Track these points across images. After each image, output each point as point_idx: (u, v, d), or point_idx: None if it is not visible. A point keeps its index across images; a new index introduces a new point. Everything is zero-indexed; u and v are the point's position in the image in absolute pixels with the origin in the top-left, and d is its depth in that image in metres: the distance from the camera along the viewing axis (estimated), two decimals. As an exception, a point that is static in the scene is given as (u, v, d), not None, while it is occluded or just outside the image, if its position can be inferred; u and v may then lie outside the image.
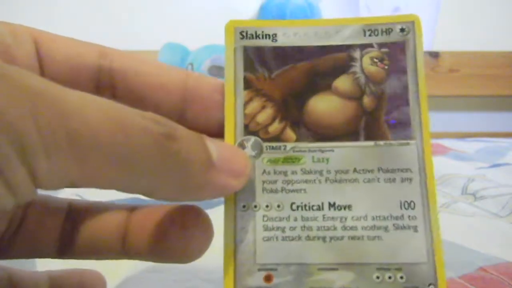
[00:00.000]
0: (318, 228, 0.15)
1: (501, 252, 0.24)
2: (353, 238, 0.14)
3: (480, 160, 0.56)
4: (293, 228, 0.15)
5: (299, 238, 0.14)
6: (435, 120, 1.14)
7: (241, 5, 0.94)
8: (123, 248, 0.15)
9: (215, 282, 0.21)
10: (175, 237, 0.14)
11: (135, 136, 0.10)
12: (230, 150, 0.14)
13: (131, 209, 0.15)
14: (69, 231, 0.15)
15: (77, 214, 0.15)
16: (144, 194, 0.12)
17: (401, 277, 0.14)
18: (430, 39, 1.04)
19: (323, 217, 0.15)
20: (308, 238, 0.14)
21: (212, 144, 0.13)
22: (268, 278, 0.14)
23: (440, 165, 0.54)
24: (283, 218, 0.15)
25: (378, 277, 0.14)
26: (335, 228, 0.15)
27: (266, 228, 0.15)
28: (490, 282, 0.21)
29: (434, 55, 1.05)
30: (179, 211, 0.15)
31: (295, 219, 0.15)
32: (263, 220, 0.15)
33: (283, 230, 0.15)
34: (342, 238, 0.14)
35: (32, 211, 0.15)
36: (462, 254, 0.24)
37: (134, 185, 0.11)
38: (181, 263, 0.15)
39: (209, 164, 0.12)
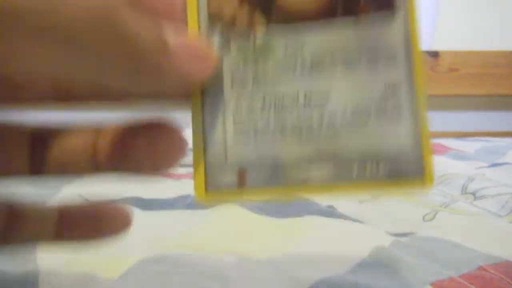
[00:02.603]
0: (293, 122, 0.14)
1: (500, 251, 0.24)
2: (331, 130, 0.14)
3: (480, 160, 0.56)
4: (266, 123, 0.14)
5: (273, 133, 0.14)
6: (435, 120, 1.14)
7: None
8: (93, 164, 0.14)
9: (217, 278, 0.21)
10: (142, 151, 0.13)
11: (66, 2, 0.09)
12: (190, 34, 0.12)
13: (101, 125, 0.15)
14: (39, 150, 0.14)
15: (46, 133, 0.15)
16: (94, 81, 0.11)
17: (383, 169, 0.13)
18: (429, 38, 1.04)
19: (298, 110, 0.14)
20: (282, 132, 0.14)
21: (166, 26, 0.11)
22: (241, 176, 0.14)
23: (439, 164, 0.54)
24: (255, 113, 0.14)
25: (358, 170, 0.13)
26: (311, 121, 0.14)
27: (237, 125, 0.14)
28: (490, 281, 0.21)
29: (434, 54, 1.05)
30: (146, 123, 0.14)
31: (268, 114, 0.14)
32: (233, 116, 0.14)
33: (255, 126, 0.14)
34: (319, 130, 0.14)
35: None
36: (462, 253, 0.24)
37: (76, 66, 0.10)
38: (151, 176, 0.14)
39: (164, 43, 0.11)
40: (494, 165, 0.53)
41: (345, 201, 0.37)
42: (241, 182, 0.14)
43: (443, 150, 0.62)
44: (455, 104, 1.12)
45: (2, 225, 0.14)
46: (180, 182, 0.45)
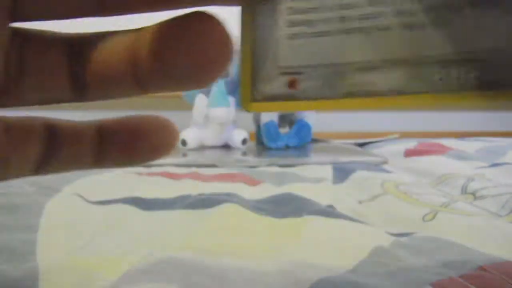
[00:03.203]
0: (360, 17, 0.11)
1: (501, 251, 0.24)
2: (407, 26, 0.11)
3: (480, 160, 0.56)
4: (326, 21, 0.11)
5: (334, 32, 0.12)
6: (435, 120, 1.14)
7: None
8: (135, 76, 0.13)
9: (217, 278, 0.21)
10: (187, 47, 0.11)
11: None
12: None
13: (138, 29, 0.13)
14: (78, 65, 0.13)
15: (82, 45, 0.13)
16: None
17: (473, 74, 0.11)
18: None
19: (370, 5, 0.11)
20: (345, 31, 0.11)
21: None
22: (292, 84, 0.12)
23: (439, 164, 0.54)
24: (314, 8, 0.12)
25: (440, 76, 0.11)
26: (382, 15, 0.11)
27: (292, 23, 0.12)
28: (490, 281, 0.21)
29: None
30: (190, 17, 0.12)
31: (330, 9, 0.11)
32: (288, 13, 0.12)
33: (313, 24, 0.12)
34: (391, 28, 0.11)
35: (30, 48, 0.13)
36: (462, 253, 0.24)
37: None
38: (198, 88, 0.12)
39: None
40: (494, 165, 0.53)
41: (345, 201, 0.38)
42: (292, 91, 0.12)
43: (443, 150, 0.62)
44: (455, 104, 1.12)
45: (41, 154, 0.14)
46: (180, 182, 0.45)
